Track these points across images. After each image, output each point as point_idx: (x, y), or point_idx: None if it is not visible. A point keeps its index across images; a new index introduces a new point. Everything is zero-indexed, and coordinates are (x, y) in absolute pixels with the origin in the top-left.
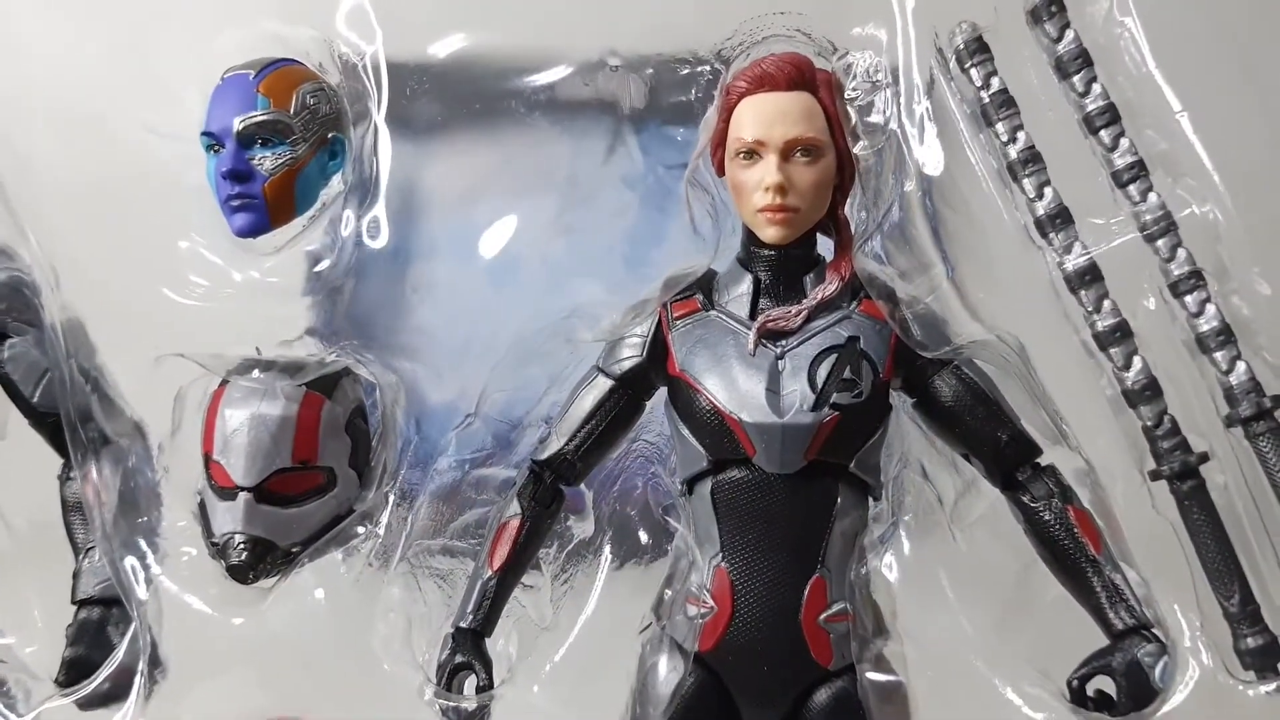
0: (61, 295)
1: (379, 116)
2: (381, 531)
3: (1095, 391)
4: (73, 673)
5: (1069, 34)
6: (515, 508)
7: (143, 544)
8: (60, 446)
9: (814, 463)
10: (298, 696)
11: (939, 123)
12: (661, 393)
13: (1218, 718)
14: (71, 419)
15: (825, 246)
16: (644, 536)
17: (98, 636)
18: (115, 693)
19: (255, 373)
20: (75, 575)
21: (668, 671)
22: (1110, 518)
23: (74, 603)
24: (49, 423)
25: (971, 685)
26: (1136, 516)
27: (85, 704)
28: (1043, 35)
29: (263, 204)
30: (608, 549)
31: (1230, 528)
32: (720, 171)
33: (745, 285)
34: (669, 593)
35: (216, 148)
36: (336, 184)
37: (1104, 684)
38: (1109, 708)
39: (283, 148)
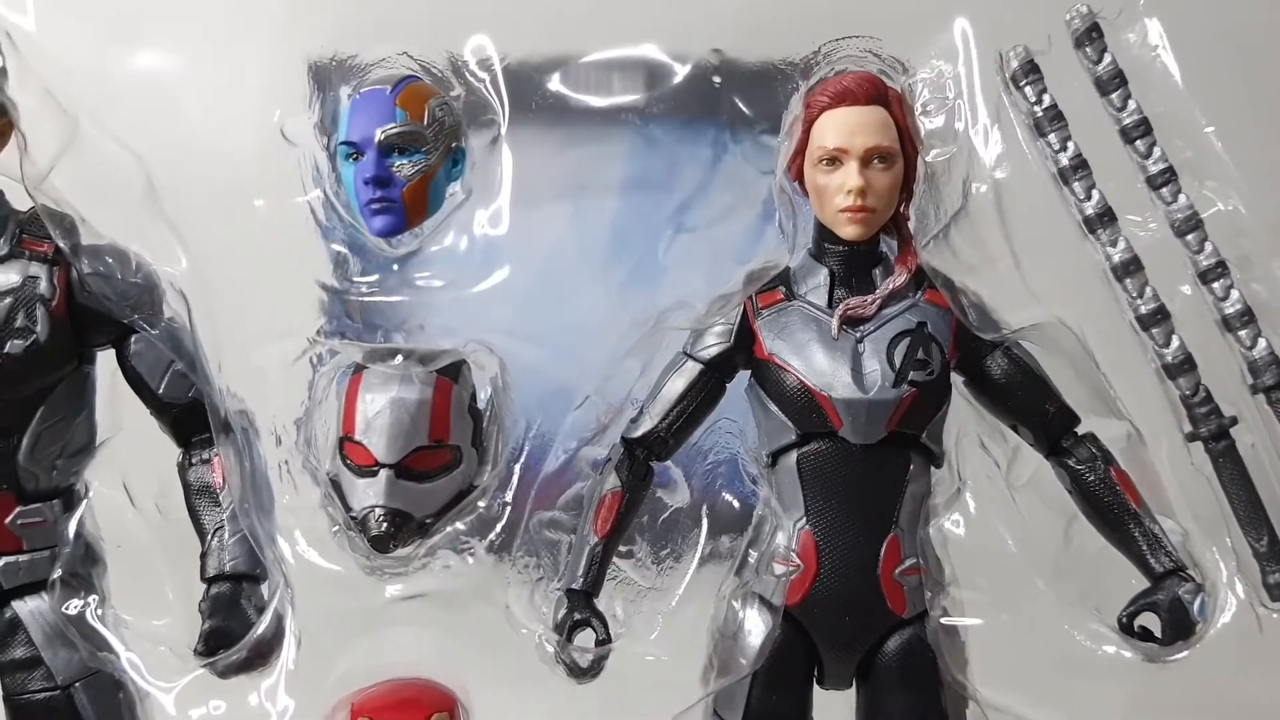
0: (205, 294)
1: (503, 126)
2: (510, 501)
3: (1142, 365)
4: (212, 642)
5: (1107, 57)
6: (614, 481)
7: (282, 518)
8: (180, 436)
9: (891, 434)
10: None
11: (1004, 134)
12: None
13: (1252, 640)
14: (218, 408)
15: None
16: (734, 502)
17: (232, 609)
18: (253, 661)
19: (398, 359)
20: (203, 555)
21: (758, 624)
22: (1154, 474)
23: (204, 580)
24: (173, 413)
25: (1040, 626)
26: (1178, 473)
27: (224, 671)
28: (1085, 58)
29: (401, 207)
30: (706, 517)
31: (1257, 481)
32: (795, 176)
33: (821, 277)
34: (753, 554)
35: (356, 156)
36: (457, 189)
37: (1149, 620)
38: (1153, 640)
39: (418, 156)
